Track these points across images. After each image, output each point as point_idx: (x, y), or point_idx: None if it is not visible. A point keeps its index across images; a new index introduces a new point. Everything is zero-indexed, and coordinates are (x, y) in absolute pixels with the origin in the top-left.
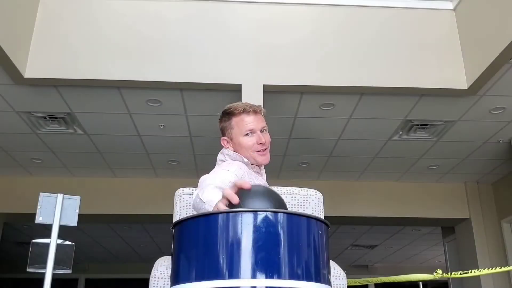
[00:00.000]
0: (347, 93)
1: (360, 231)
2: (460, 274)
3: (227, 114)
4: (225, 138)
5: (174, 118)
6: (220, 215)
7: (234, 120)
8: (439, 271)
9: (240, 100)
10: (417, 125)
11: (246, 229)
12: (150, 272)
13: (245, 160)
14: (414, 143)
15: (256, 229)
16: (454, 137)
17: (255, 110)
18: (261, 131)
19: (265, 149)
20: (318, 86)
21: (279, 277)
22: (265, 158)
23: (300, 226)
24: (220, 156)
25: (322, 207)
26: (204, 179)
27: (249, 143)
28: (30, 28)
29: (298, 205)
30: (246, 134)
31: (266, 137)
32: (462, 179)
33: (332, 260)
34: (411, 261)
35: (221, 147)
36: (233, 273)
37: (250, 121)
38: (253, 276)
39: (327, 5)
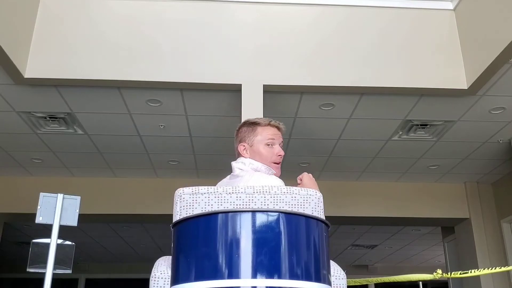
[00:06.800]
0: (347, 93)
1: (360, 231)
2: (460, 274)
3: (252, 124)
4: (244, 144)
5: (174, 118)
6: (219, 215)
7: (259, 129)
8: (439, 271)
9: (240, 101)
10: (417, 125)
11: (246, 229)
12: (150, 272)
13: (272, 170)
14: (414, 143)
15: (256, 229)
16: (454, 137)
17: (278, 126)
18: (279, 145)
19: (279, 162)
20: (318, 86)
21: (279, 277)
22: (279, 171)
23: (300, 226)
24: (239, 165)
25: (322, 207)
26: None
27: (269, 153)
28: (30, 28)
29: (298, 205)
30: (267, 144)
31: (282, 152)
32: (462, 179)
33: (332, 260)
34: (411, 261)
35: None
36: (233, 273)
37: (273, 133)
38: (253, 276)
39: (327, 5)
